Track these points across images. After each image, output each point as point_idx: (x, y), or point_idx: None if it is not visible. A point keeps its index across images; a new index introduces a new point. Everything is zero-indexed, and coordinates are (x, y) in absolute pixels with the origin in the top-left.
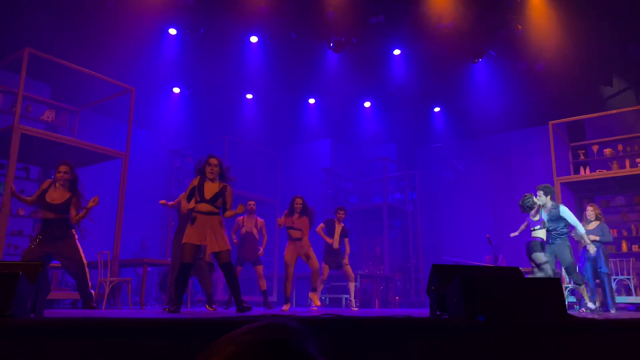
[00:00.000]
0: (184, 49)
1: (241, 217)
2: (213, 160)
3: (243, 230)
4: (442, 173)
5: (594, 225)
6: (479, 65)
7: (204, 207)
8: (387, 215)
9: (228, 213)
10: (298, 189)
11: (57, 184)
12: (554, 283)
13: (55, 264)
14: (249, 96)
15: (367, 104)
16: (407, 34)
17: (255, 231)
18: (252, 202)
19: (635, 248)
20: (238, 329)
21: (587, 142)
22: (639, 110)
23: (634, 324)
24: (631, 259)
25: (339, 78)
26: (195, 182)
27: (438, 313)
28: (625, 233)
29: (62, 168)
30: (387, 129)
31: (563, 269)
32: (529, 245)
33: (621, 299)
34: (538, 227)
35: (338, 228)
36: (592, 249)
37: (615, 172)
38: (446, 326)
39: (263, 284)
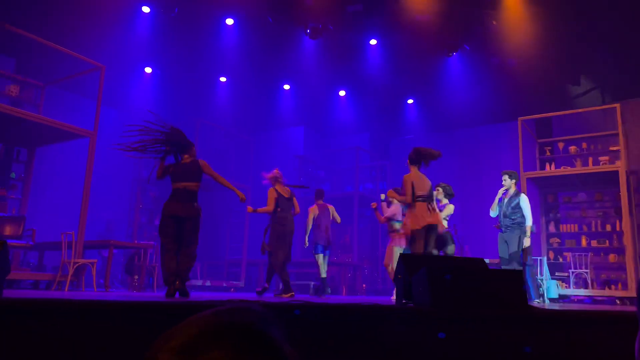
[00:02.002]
0: (157, 28)
1: (315, 207)
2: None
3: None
4: None
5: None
6: (453, 59)
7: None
8: (358, 205)
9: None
10: None
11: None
12: (516, 275)
13: (17, 243)
14: (223, 79)
15: (342, 93)
16: (384, 24)
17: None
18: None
19: (594, 243)
20: (202, 312)
21: (553, 139)
22: (604, 110)
23: (588, 316)
24: (589, 253)
25: (315, 65)
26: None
27: (404, 301)
28: (585, 228)
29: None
30: (361, 118)
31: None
32: (441, 238)
33: (578, 292)
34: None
35: None
36: (527, 242)
37: (578, 169)
38: (412, 314)
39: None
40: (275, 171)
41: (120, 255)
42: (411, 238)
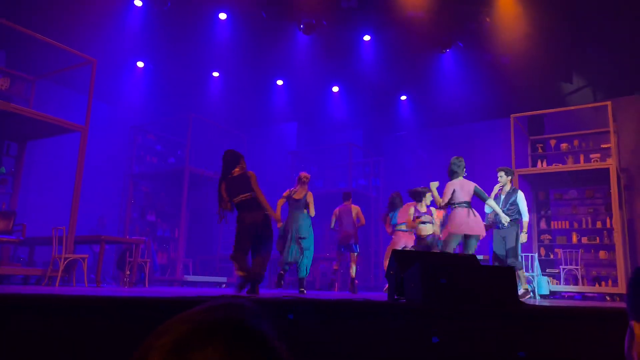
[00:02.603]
0: (150, 21)
1: (338, 208)
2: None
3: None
4: (406, 161)
5: None
6: (447, 56)
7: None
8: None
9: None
10: (263, 171)
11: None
12: (508, 271)
13: (7, 238)
14: (216, 74)
15: (335, 89)
16: (378, 20)
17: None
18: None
19: (584, 240)
20: (194, 308)
21: (545, 136)
22: (596, 108)
23: (579, 312)
24: (580, 250)
25: (308, 61)
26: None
27: (396, 297)
28: (576, 225)
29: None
30: (354, 114)
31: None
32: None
33: (569, 288)
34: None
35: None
36: (524, 237)
37: (569, 166)
38: (403, 310)
39: (353, 271)
40: (302, 174)
41: (112, 251)
42: (444, 241)
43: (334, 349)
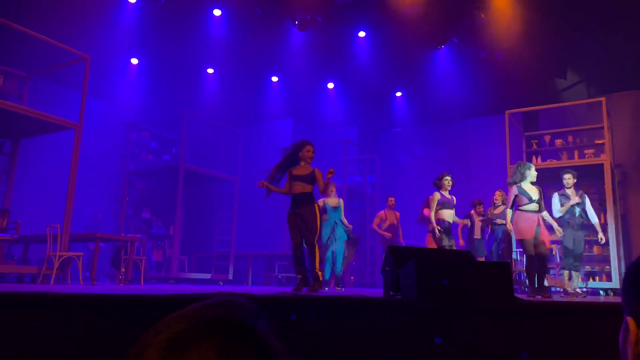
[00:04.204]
0: (144, 18)
1: (383, 211)
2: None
3: (387, 224)
4: (402, 157)
5: (500, 209)
6: (442, 52)
7: (533, 207)
8: (346, 197)
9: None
10: (258, 168)
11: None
12: (503, 267)
13: (1, 236)
14: (210, 71)
15: (330, 85)
16: (373, 16)
17: (396, 222)
18: (392, 199)
19: None
20: (190, 305)
21: (540, 132)
22: (590, 104)
23: (575, 307)
24: None
25: (303, 57)
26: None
27: (391, 293)
28: None
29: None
30: (350, 111)
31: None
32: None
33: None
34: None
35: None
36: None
37: (564, 162)
38: (399, 306)
39: None
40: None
41: (107, 249)
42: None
43: (330, 344)
